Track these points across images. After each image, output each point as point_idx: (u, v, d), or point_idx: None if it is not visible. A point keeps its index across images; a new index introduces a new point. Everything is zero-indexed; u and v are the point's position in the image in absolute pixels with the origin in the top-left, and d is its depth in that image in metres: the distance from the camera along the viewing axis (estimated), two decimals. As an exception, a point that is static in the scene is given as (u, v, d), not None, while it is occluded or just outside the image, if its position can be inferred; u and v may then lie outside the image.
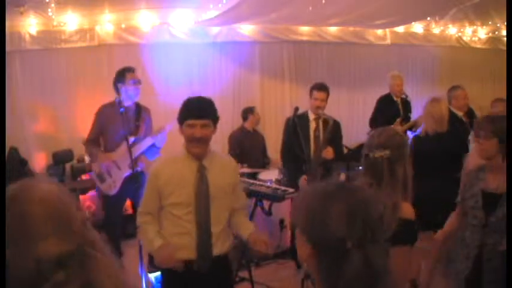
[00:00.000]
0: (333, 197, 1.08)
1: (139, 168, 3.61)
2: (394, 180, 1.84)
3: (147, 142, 3.62)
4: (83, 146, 3.97)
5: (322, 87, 3.93)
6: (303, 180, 3.76)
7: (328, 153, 3.82)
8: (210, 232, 2.25)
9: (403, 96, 5.34)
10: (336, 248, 1.02)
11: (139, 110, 3.70)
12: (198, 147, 2.19)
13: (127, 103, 3.60)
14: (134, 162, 3.46)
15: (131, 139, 3.54)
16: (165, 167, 2.29)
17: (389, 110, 5.16)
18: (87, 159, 4.91)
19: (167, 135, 3.68)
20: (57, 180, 4.78)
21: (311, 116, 3.97)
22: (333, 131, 3.88)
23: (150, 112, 3.83)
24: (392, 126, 4.72)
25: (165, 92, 5.37)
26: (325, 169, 3.92)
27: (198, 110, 2.16)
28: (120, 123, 3.55)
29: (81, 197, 4.85)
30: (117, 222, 3.89)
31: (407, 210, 1.82)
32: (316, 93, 3.90)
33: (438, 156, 3.40)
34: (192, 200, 2.21)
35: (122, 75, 3.61)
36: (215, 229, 2.27)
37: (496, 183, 2.30)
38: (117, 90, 3.65)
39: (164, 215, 2.29)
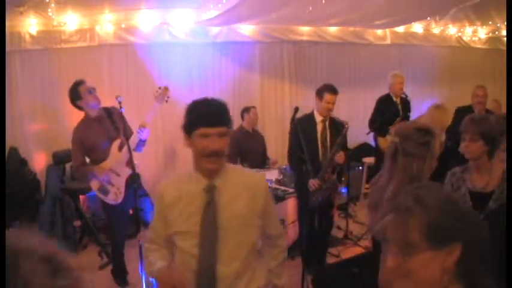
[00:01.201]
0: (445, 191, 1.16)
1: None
2: (393, 167, 1.97)
3: (134, 140, 3.56)
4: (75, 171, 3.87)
5: (335, 90, 3.87)
6: (312, 184, 3.72)
7: (341, 157, 3.82)
8: (214, 274, 1.75)
9: (403, 95, 5.34)
10: (482, 234, 1.05)
11: (110, 113, 3.61)
12: (214, 162, 1.73)
13: (94, 114, 3.53)
14: (131, 159, 3.42)
15: (118, 143, 3.51)
16: (171, 186, 1.86)
17: (389, 110, 5.16)
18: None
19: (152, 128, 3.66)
20: (57, 180, 4.78)
21: (318, 118, 3.93)
22: (345, 135, 3.87)
23: (118, 109, 3.68)
24: (391, 126, 4.73)
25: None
26: (336, 173, 3.93)
27: (213, 115, 1.71)
28: (99, 132, 3.53)
29: (81, 197, 4.86)
30: (123, 229, 3.84)
31: None
32: (329, 96, 3.83)
33: None
34: (199, 230, 1.77)
35: (76, 92, 3.50)
36: (226, 270, 1.76)
37: (483, 182, 2.33)
38: (78, 107, 3.56)
39: (176, 245, 1.85)
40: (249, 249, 1.82)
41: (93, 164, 3.60)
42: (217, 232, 1.74)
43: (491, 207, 2.23)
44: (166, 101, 3.67)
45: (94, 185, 3.62)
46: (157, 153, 5.48)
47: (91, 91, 3.51)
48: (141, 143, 3.62)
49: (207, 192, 1.76)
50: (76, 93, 3.51)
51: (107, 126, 3.52)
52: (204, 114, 1.71)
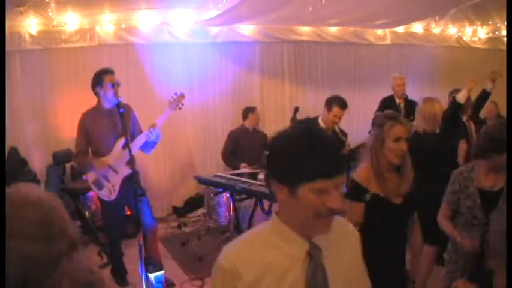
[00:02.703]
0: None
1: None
2: (365, 145, 2.38)
3: (141, 140, 3.55)
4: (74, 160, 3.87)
5: (344, 105, 3.88)
6: None
7: None
8: None
9: (405, 96, 5.33)
10: None
11: (122, 109, 3.52)
12: (330, 222, 1.22)
13: (108, 105, 3.51)
14: (133, 159, 3.42)
15: (123, 141, 3.47)
16: (247, 256, 1.24)
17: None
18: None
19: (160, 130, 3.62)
20: (57, 180, 4.79)
21: (322, 126, 3.94)
22: (347, 148, 3.88)
23: (131, 108, 3.71)
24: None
25: (166, 92, 5.36)
26: None
27: (335, 162, 1.17)
28: (107, 126, 3.50)
29: (81, 197, 4.86)
30: (118, 227, 3.85)
31: (359, 172, 2.27)
32: (338, 110, 3.84)
33: (426, 156, 3.29)
34: None
35: (100, 79, 3.48)
36: None
37: (491, 181, 2.33)
38: (96, 93, 3.54)
39: None
40: None
41: (94, 155, 3.60)
42: None
43: (503, 207, 2.23)
44: (180, 108, 3.65)
45: (90, 177, 3.62)
46: (157, 152, 5.46)
47: (114, 85, 3.47)
48: (151, 144, 3.62)
49: (310, 256, 1.24)
50: (99, 80, 3.49)
51: (116, 122, 3.48)
52: (321, 163, 1.15)
